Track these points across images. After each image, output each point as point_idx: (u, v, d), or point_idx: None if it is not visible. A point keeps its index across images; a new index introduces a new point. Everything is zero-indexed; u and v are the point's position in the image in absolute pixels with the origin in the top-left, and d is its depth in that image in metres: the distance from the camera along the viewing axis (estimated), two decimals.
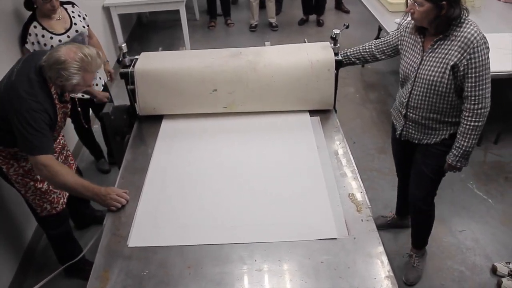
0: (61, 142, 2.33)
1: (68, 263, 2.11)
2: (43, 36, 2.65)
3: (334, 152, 2.13)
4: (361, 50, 2.36)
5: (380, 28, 4.39)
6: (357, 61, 2.40)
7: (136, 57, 2.38)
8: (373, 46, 2.33)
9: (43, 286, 1.86)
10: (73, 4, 2.90)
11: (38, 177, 2.13)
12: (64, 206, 2.33)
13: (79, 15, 2.87)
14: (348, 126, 3.84)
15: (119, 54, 2.33)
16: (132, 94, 2.33)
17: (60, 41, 2.67)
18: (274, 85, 2.29)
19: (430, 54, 1.98)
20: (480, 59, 1.87)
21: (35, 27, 2.65)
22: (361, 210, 1.80)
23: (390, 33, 2.32)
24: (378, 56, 2.32)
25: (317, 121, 2.34)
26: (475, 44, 1.85)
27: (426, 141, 2.18)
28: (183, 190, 1.94)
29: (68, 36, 2.73)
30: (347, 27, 2.44)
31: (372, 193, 3.11)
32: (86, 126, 3.07)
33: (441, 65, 1.95)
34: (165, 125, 2.36)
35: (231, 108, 2.35)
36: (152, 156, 2.13)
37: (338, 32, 2.31)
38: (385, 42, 2.28)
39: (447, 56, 1.92)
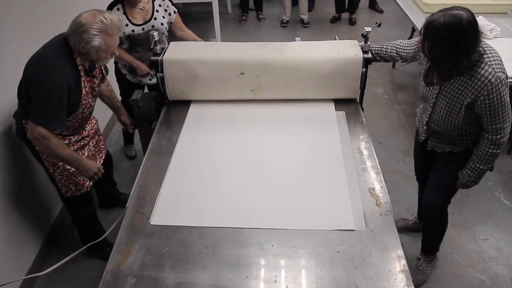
0: (94, 127, 2.37)
1: (91, 243, 2.16)
2: (120, 20, 2.67)
3: (357, 147, 2.14)
4: (383, 49, 2.34)
5: (414, 29, 4.31)
6: (378, 58, 2.39)
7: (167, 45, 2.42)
8: (394, 51, 2.29)
9: (65, 264, 1.92)
10: None
11: None
12: (88, 189, 2.38)
13: (165, 10, 2.81)
14: (374, 126, 3.80)
15: (151, 42, 2.36)
16: (161, 82, 2.36)
17: (133, 31, 2.67)
18: (300, 69, 2.32)
19: (449, 86, 1.93)
20: (495, 99, 1.81)
21: (118, 9, 2.67)
22: (380, 204, 1.81)
23: (415, 40, 2.23)
24: (396, 58, 2.31)
25: (342, 116, 2.35)
26: (489, 87, 1.78)
27: (449, 149, 2.15)
28: (206, 174, 1.98)
29: (143, 29, 2.70)
30: (379, 25, 2.41)
31: (395, 195, 3.07)
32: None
33: (456, 103, 1.92)
34: (191, 112, 2.40)
35: (258, 91, 2.38)
36: (177, 141, 2.18)
37: (369, 30, 2.29)
38: (407, 49, 2.23)
39: (462, 94, 1.88)
